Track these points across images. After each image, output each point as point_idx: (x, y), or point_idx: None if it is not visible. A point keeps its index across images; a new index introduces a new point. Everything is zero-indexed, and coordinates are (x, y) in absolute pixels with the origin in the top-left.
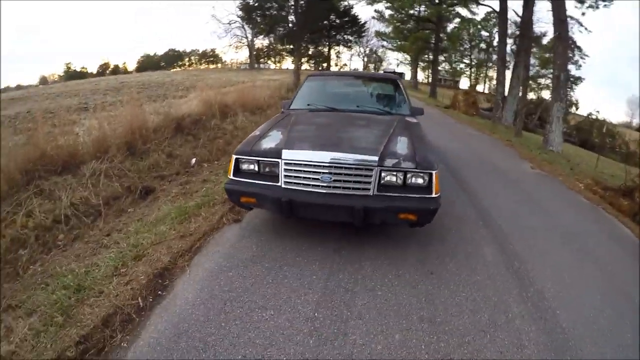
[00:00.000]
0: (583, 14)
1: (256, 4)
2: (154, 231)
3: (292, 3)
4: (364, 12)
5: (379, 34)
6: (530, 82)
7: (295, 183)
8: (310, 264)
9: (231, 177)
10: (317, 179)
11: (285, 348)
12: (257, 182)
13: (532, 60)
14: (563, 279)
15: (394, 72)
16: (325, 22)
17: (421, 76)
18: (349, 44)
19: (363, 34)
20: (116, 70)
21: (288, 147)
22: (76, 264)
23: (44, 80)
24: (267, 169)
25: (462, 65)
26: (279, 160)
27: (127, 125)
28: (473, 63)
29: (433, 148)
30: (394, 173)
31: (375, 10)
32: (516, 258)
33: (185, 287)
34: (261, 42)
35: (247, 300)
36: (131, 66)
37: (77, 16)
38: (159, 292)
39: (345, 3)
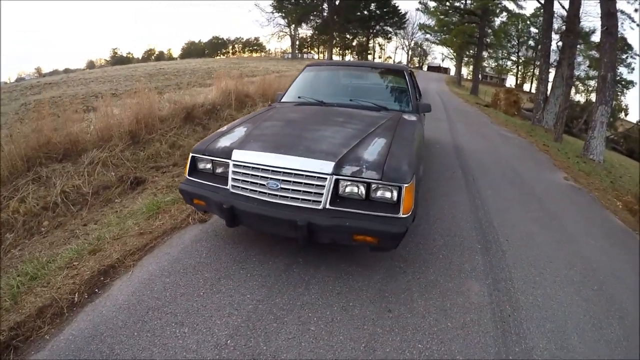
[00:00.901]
0: (636, 10)
1: None
2: (121, 225)
3: None
4: (406, 2)
5: (422, 27)
6: (578, 83)
7: (242, 188)
8: (251, 280)
9: (187, 176)
10: (264, 185)
11: None
12: (209, 183)
13: (580, 59)
14: None
15: (439, 67)
16: (364, 11)
17: (466, 72)
18: (389, 36)
19: (403, 25)
20: (161, 57)
21: (240, 147)
22: (46, 251)
23: (91, 65)
24: (219, 170)
25: (508, 63)
26: (229, 161)
27: (132, 115)
28: (520, 61)
29: (420, 153)
30: (355, 184)
31: (420, 2)
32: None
33: (121, 288)
34: (305, 31)
35: (169, 312)
36: (176, 53)
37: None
38: (96, 290)
39: None
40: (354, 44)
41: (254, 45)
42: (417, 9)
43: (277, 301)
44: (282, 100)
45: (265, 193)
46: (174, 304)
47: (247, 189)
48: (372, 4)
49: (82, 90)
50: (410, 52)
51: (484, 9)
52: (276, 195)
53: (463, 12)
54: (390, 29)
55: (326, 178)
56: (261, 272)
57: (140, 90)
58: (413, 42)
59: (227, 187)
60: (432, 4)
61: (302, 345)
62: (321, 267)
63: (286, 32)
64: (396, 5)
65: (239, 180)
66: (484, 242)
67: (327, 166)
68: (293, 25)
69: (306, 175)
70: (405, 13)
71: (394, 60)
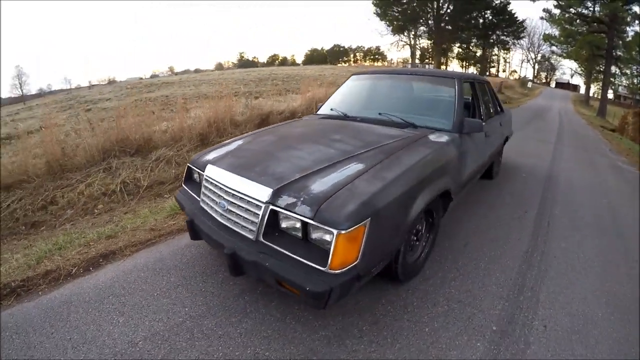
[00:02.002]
0: None
1: None
2: (145, 219)
3: None
4: (526, 10)
5: (547, 37)
6: None
7: (206, 203)
8: (201, 295)
9: (183, 185)
10: (217, 203)
11: None
12: (192, 194)
13: None
14: None
15: (568, 84)
16: (478, 19)
17: (595, 90)
18: (507, 46)
19: (522, 35)
20: (284, 62)
21: (213, 162)
22: (86, 230)
23: (219, 66)
24: (199, 182)
25: None
26: (204, 174)
27: (205, 118)
28: None
29: (423, 185)
30: (292, 218)
31: (544, 9)
32: None
33: (107, 271)
34: (426, 42)
35: (122, 302)
36: (299, 59)
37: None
38: (90, 268)
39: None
40: (477, 55)
41: (375, 54)
42: (541, 18)
43: (205, 323)
44: (317, 112)
45: (218, 212)
46: (131, 295)
47: (208, 204)
48: (486, 11)
49: (191, 91)
50: (536, 66)
51: (612, 16)
52: (224, 216)
53: (589, 20)
54: (508, 39)
55: (261, 206)
56: (214, 291)
57: (225, 95)
58: (540, 54)
59: (199, 200)
60: (556, 12)
61: None
62: (272, 302)
63: (405, 42)
64: (513, 12)
65: (206, 195)
66: None
67: (264, 193)
68: (412, 35)
69: (246, 200)
70: (523, 21)
71: (519, 75)
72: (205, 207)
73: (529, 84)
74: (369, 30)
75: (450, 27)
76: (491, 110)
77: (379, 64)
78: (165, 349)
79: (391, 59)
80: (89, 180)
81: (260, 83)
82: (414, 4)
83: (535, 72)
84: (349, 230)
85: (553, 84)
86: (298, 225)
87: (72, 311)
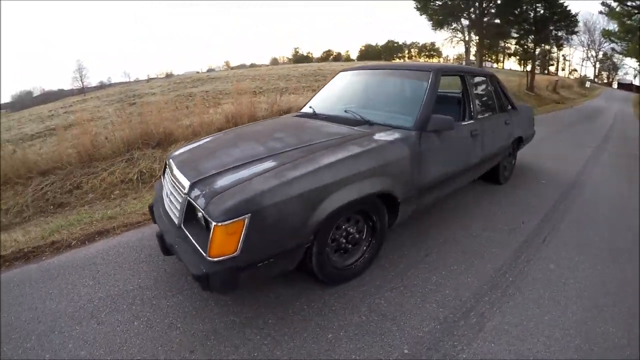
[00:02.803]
0: None
1: None
2: (139, 206)
3: None
4: (585, 3)
5: (606, 33)
6: None
7: (163, 191)
8: (137, 277)
9: (161, 177)
10: (166, 192)
11: None
12: (162, 184)
13: None
14: None
15: (631, 85)
16: (529, 13)
17: None
18: (560, 42)
19: (575, 30)
20: (338, 58)
21: (173, 157)
22: (98, 211)
23: (274, 62)
24: None
25: None
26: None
27: (224, 114)
28: None
29: (331, 189)
30: (197, 208)
31: (602, 3)
32: None
33: (97, 245)
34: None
35: (93, 272)
36: (354, 55)
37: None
38: (86, 242)
39: None
40: (534, 52)
41: (430, 50)
42: (600, 12)
43: (147, 293)
44: (301, 111)
45: (166, 199)
46: (105, 265)
47: (164, 192)
48: (536, 4)
49: (232, 87)
50: (597, 65)
51: None
52: (167, 203)
53: None
54: (561, 34)
55: (183, 196)
56: (167, 269)
57: (244, 91)
58: (601, 52)
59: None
60: (615, 4)
61: None
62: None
63: (460, 38)
64: (565, 4)
65: (164, 184)
66: None
67: (185, 184)
68: (436, 28)
69: (178, 190)
70: (576, 14)
71: (580, 74)
72: (163, 195)
73: (588, 84)
74: (422, 25)
75: (498, 21)
76: (492, 107)
77: (435, 60)
78: (110, 309)
79: (447, 56)
80: (112, 169)
81: (302, 79)
82: None
83: (596, 71)
84: (225, 223)
85: (615, 85)
86: (200, 215)
87: (60, 273)
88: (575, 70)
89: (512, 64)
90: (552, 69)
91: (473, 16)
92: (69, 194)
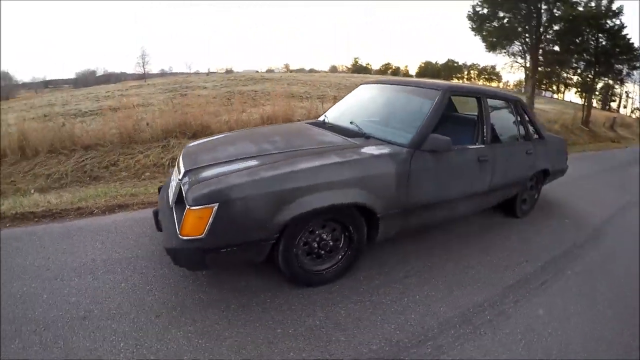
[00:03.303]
0: None
1: (488, 11)
2: None
3: (534, 12)
4: None
5: None
6: None
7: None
8: (124, 247)
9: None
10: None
11: None
12: None
13: None
14: None
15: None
16: (590, 43)
17: None
18: (621, 77)
19: (637, 66)
20: (396, 72)
21: (186, 148)
22: (126, 189)
23: (333, 69)
24: None
25: None
26: None
27: (260, 114)
28: None
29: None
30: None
31: None
32: None
33: (114, 217)
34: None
35: (100, 241)
36: (413, 70)
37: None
38: (106, 213)
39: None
40: (597, 86)
41: (490, 74)
42: None
43: (117, 263)
44: (317, 119)
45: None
46: (107, 233)
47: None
48: (598, 34)
49: (281, 89)
50: None
51: None
52: (169, 187)
53: None
54: (622, 68)
55: (177, 181)
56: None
57: (287, 95)
58: None
59: None
60: None
61: None
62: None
63: (520, 63)
64: (628, 36)
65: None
66: None
67: (181, 172)
68: (495, 51)
69: (176, 176)
70: (638, 48)
71: None
72: (170, 179)
73: None
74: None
75: (557, 49)
76: (512, 134)
77: (494, 84)
78: (106, 269)
79: (507, 81)
80: (148, 153)
81: (352, 89)
82: (515, 18)
83: None
84: (196, 208)
85: None
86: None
87: (77, 234)
88: (639, 109)
89: (573, 95)
90: (614, 105)
91: (528, 41)
92: (105, 169)
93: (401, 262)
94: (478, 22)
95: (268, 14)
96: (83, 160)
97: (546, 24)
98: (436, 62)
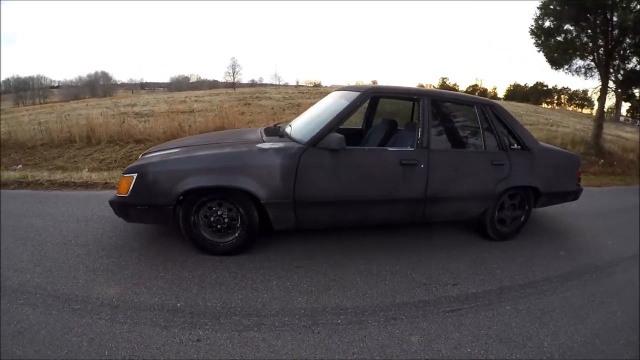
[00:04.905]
0: None
1: (553, 24)
2: None
3: (600, 22)
4: None
5: None
6: None
7: None
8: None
9: None
10: None
11: None
12: None
13: None
14: None
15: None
16: None
17: None
18: None
19: None
20: (484, 93)
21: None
22: None
23: (419, 87)
24: None
25: None
26: None
27: None
28: None
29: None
30: None
31: None
32: None
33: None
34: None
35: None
36: (501, 92)
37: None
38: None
39: None
40: None
41: (581, 99)
42: None
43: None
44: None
45: None
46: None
47: None
48: None
49: None
50: None
51: None
52: None
53: None
54: None
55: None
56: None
57: None
58: None
59: None
60: None
61: None
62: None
63: (611, 88)
64: None
65: None
66: None
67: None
68: (557, 68)
69: None
70: None
71: None
72: None
73: None
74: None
75: (635, 67)
76: (470, 141)
77: (586, 111)
78: (99, 231)
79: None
80: None
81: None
82: (582, 30)
83: None
84: (125, 175)
85: None
86: None
87: (97, 202)
88: None
89: None
90: None
91: (596, 56)
92: None
93: (313, 255)
94: (543, 36)
95: (364, 31)
96: (132, 151)
97: (619, 37)
98: (525, 85)
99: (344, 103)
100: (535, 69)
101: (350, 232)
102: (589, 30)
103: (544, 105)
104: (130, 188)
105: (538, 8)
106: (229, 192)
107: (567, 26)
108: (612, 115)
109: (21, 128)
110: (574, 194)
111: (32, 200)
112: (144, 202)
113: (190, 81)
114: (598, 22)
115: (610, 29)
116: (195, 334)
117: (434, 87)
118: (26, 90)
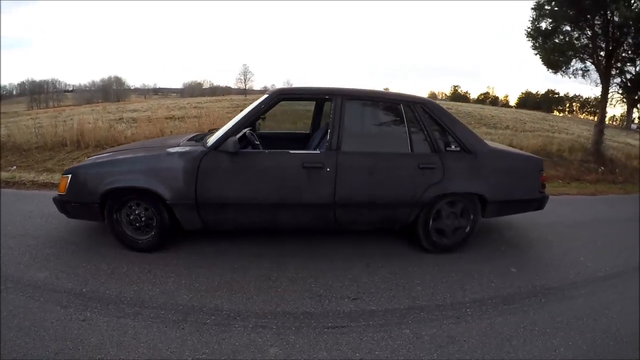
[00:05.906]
0: None
1: (550, 25)
2: None
3: (599, 23)
4: None
5: None
6: None
7: None
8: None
9: None
10: None
11: None
12: None
13: None
14: None
15: None
16: None
17: None
18: None
19: None
20: (495, 102)
21: None
22: None
23: (432, 96)
24: None
25: None
26: None
27: None
28: None
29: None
30: None
31: None
32: None
33: None
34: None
35: None
36: (513, 100)
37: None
38: None
39: None
40: None
41: (593, 106)
42: None
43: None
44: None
45: None
46: None
47: None
48: None
49: None
50: None
51: None
52: None
53: None
54: None
55: None
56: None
57: None
58: None
59: None
60: None
61: None
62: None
63: (617, 92)
64: None
65: None
66: None
67: None
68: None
69: None
70: None
71: None
72: None
73: None
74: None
75: (620, 67)
76: (392, 142)
77: (596, 118)
78: (30, 226)
79: (613, 115)
80: None
81: None
82: (581, 30)
83: None
84: (63, 176)
85: None
86: None
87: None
88: None
89: None
90: None
91: (596, 58)
92: None
93: (222, 255)
94: (540, 38)
95: (377, 40)
96: None
97: (620, 38)
98: (537, 92)
99: (259, 104)
100: (549, 76)
101: (273, 236)
102: (588, 30)
103: (556, 112)
104: (67, 187)
105: (532, 9)
106: (143, 193)
107: (566, 27)
108: (623, 123)
109: (19, 131)
110: (537, 202)
111: (12, 198)
112: (77, 199)
113: (203, 87)
114: (598, 22)
115: (610, 29)
116: (83, 315)
117: (445, 95)
118: (40, 94)
